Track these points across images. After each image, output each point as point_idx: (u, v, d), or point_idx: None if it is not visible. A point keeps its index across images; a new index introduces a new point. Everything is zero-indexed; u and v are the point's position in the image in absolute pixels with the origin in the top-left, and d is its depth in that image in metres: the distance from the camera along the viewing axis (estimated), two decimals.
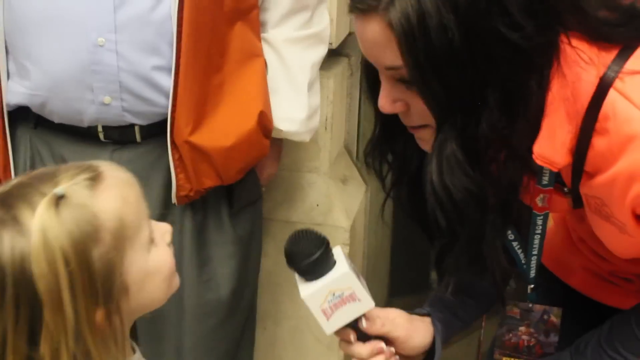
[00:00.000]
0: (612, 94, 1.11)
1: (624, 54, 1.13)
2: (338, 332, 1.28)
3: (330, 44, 2.03)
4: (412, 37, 1.06)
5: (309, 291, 1.22)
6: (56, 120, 1.76)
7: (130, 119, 1.73)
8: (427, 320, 1.38)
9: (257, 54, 1.84)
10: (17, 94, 1.74)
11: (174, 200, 1.80)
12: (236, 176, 1.84)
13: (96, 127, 1.75)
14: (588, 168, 1.16)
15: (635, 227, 1.17)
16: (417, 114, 1.16)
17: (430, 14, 1.04)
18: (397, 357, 1.32)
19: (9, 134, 1.78)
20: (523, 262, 1.37)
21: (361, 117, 2.55)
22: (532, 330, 1.44)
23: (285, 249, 1.23)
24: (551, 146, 1.14)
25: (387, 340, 1.31)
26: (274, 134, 1.89)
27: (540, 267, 1.60)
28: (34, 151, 1.83)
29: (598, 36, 1.14)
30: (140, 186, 1.11)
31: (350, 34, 2.38)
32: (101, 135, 1.77)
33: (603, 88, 1.11)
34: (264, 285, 2.24)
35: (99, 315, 1.00)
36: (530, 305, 1.43)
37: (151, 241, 1.09)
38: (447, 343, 1.43)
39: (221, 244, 1.92)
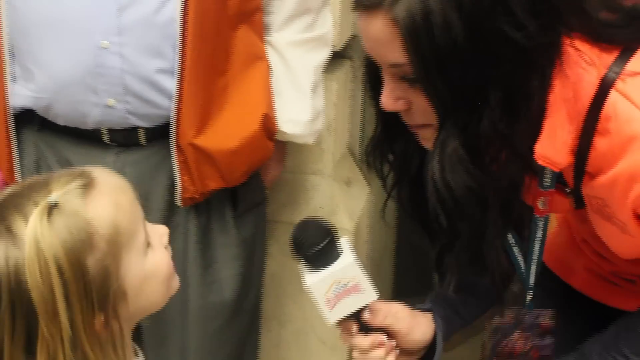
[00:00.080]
0: (613, 94, 1.11)
1: (625, 56, 1.14)
2: (340, 323, 1.29)
3: (334, 46, 2.03)
4: (416, 34, 1.07)
5: (314, 280, 1.23)
6: (61, 122, 1.77)
7: (134, 121, 1.74)
8: (428, 315, 1.38)
9: (261, 57, 1.84)
10: (22, 96, 1.75)
11: (178, 202, 1.80)
12: (240, 178, 1.85)
13: (100, 129, 1.76)
14: (590, 169, 1.17)
15: (637, 228, 1.17)
16: (419, 112, 1.17)
17: (435, 11, 1.05)
18: (398, 350, 1.33)
19: (15, 137, 1.78)
20: (522, 268, 1.37)
21: (364, 119, 2.55)
22: (526, 334, 1.44)
23: (292, 236, 1.23)
24: (552, 146, 1.15)
25: (389, 333, 1.31)
26: (278, 137, 1.89)
27: (542, 267, 1.60)
28: (40, 154, 1.83)
29: (599, 37, 1.15)
30: (137, 192, 1.11)
31: (353, 36, 2.38)
32: (105, 138, 1.77)
33: (604, 89, 1.12)
34: (268, 287, 2.24)
35: (98, 321, 1.01)
36: (524, 309, 1.43)
37: (147, 244, 1.09)
38: (451, 345, 1.44)
39: (225, 246, 1.92)
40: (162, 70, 1.69)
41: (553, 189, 1.26)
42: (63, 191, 1.02)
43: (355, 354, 1.31)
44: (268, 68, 1.86)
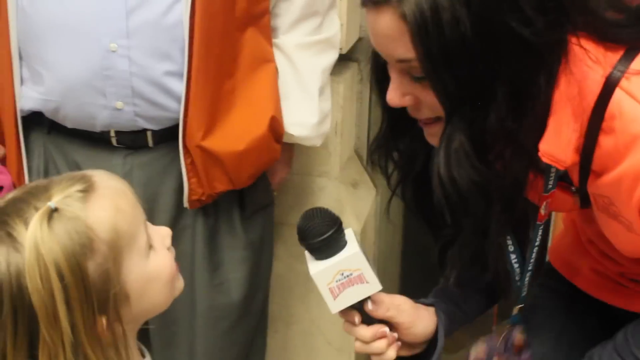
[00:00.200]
0: (618, 93, 1.12)
1: (630, 54, 1.14)
2: (343, 313, 1.29)
3: (340, 49, 2.04)
4: (425, 29, 1.07)
5: (318, 269, 1.23)
6: (69, 125, 1.77)
7: (142, 123, 1.74)
8: (431, 309, 1.38)
9: (269, 60, 1.85)
10: (31, 99, 1.75)
11: (186, 204, 1.81)
12: (248, 181, 1.85)
13: (109, 132, 1.76)
14: (595, 167, 1.17)
15: None
16: (427, 107, 1.17)
17: (444, 6, 1.06)
18: (400, 343, 1.33)
19: (23, 140, 1.79)
20: (517, 278, 1.37)
21: (371, 121, 2.56)
22: (505, 356, 1.44)
23: (298, 225, 1.24)
24: (557, 144, 1.15)
25: (391, 326, 1.32)
26: (285, 139, 1.90)
27: (548, 267, 1.61)
28: (48, 156, 1.84)
29: (605, 36, 1.15)
30: (135, 193, 1.11)
31: (360, 39, 2.39)
32: (114, 140, 1.77)
33: (609, 87, 1.12)
34: (275, 289, 2.25)
35: (99, 324, 1.01)
36: (493, 330, 1.42)
37: (149, 247, 1.10)
38: (458, 347, 1.44)
39: (233, 248, 1.93)
40: (170, 72, 1.69)
41: (554, 190, 1.27)
42: (63, 196, 1.02)
43: (357, 345, 1.32)
44: (275, 71, 1.86)
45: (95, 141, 1.78)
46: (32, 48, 1.71)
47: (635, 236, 1.20)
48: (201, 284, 1.90)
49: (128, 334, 1.07)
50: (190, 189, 1.78)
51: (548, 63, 1.12)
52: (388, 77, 1.19)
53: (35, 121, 1.81)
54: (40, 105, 1.75)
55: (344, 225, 1.26)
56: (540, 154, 1.15)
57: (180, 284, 1.16)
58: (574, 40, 1.13)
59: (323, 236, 1.22)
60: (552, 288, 1.61)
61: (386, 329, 1.31)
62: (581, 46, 1.13)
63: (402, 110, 1.21)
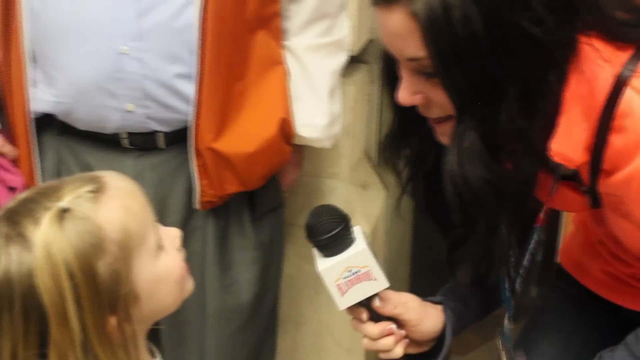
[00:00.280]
0: (628, 92, 1.12)
1: None
2: (351, 310, 1.29)
3: (351, 51, 2.04)
4: (436, 27, 1.07)
5: (326, 265, 1.24)
6: (81, 127, 1.78)
7: (153, 126, 1.75)
8: (439, 307, 1.39)
9: (279, 62, 1.85)
10: (43, 101, 1.76)
11: (196, 205, 1.82)
12: (258, 182, 1.86)
13: (120, 133, 1.77)
14: (606, 166, 1.17)
15: None
16: (437, 106, 1.17)
17: (455, 5, 1.06)
18: (407, 340, 1.33)
19: (35, 141, 1.80)
20: (508, 288, 1.36)
21: (381, 123, 2.56)
22: None
23: (306, 222, 1.24)
24: (568, 143, 1.15)
25: (398, 323, 1.32)
26: (296, 141, 1.90)
27: (559, 269, 1.60)
28: (60, 158, 1.85)
29: (615, 36, 1.16)
30: (145, 194, 1.12)
31: (370, 41, 2.39)
32: (125, 142, 1.78)
33: (619, 86, 1.13)
34: (285, 290, 2.25)
35: (109, 324, 1.02)
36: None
37: (159, 247, 1.10)
38: (467, 348, 1.44)
39: (243, 249, 1.93)
40: (181, 75, 1.70)
41: (555, 194, 1.27)
42: (74, 196, 1.03)
43: (364, 342, 1.32)
44: (286, 72, 1.87)
45: (106, 143, 1.79)
46: (45, 50, 1.72)
47: None
48: (211, 284, 1.91)
49: (138, 334, 1.07)
50: (201, 191, 1.79)
51: (558, 62, 1.12)
52: (399, 77, 1.20)
53: (47, 123, 1.81)
54: (53, 108, 1.76)
55: (356, 225, 1.26)
56: (551, 152, 1.15)
57: (190, 285, 1.16)
58: (584, 39, 1.14)
59: (331, 233, 1.23)
60: (563, 289, 1.61)
61: (393, 326, 1.31)
62: (591, 45, 1.14)
63: (412, 109, 1.22)
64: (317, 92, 1.89)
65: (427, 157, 1.33)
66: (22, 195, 1.08)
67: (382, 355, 1.33)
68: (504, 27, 1.07)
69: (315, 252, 1.26)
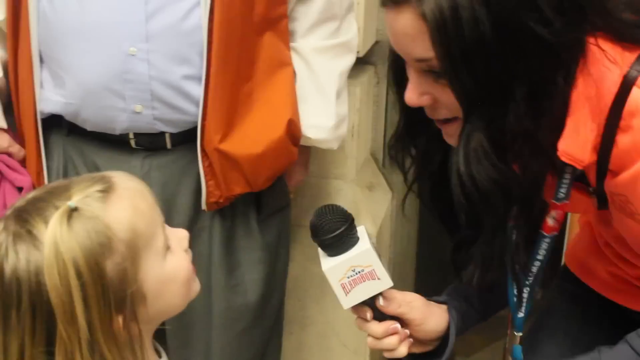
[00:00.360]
0: (635, 91, 1.12)
1: None
2: (355, 309, 1.30)
3: (357, 52, 2.04)
4: (444, 28, 1.08)
5: (330, 265, 1.24)
6: (89, 128, 1.79)
7: (161, 127, 1.76)
8: (443, 307, 1.38)
9: (286, 63, 1.86)
10: (52, 102, 1.77)
11: (203, 206, 1.82)
12: (265, 183, 1.86)
13: (128, 134, 1.77)
14: (612, 166, 1.17)
15: None
16: (445, 107, 1.18)
17: (463, 6, 1.06)
18: (411, 340, 1.34)
19: (43, 141, 1.81)
20: (515, 293, 1.35)
21: (387, 124, 2.56)
22: None
23: (311, 222, 1.25)
24: (575, 144, 1.15)
25: (403, 322, 1.32)
26: (303, 142, 1.91)
27: (564, 270, 1.60)
28: (67, 158, 1.85)
29: (622, 37, 1.16)
30: (153, 194, 1.12)
31: (376, 42, 2.40)
32: (132, 143, 1.79)
33: (626, 86, 1.13)
34: (290, 291, 2.25)
35: (116, 323, 1.02)
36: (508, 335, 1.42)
37: (167, 248, 1.10)
38: (472, 349, 1.44)
39: (250, 250, 1.94)
40: (189, 76, 1.70)
41: (567, 202, 1.27)
42: (83, 195, 1.04)
43: (369, 340, 1.32)
44: (293, 74, 1.87)
45: (114, 143, 1.80)
46: (53, 52, 1.73)
47: None
48: (218, 285, 1.91)
49: (144, 334, 1.08)
50: (208, 192, 1.79)
51: (566, 63, 1.12)
52: (406, 78, 1.20)
53: (54, 123, 1.82)
54: (61, 109, 1.77)
55: (360, 225, 1.27)
56: (559, 153, 1.15)
57: (196, 286, 1.16)
58: (591, 40, 1.14)
59: (335, 233, 1.23)
60: (569, 290, 1.61)
61: (397, 325, 1.31)
62: (599, 46, 1.14)
63: (419, 110, 1.22)
64: (324, 93, 1.89)
65: (434, 158, 1.34)
66: (31, 194, 1.08)
67: (386, 355, 1.33)
68: (512, 29, 1.08)
69: (320, 251, 1.27)
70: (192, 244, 1.18)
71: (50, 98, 1.77)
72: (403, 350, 1.32)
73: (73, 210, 1.01)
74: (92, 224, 1.02)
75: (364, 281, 1.25)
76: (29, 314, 1.00)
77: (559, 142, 1.15)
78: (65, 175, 1.84)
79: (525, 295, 1.35)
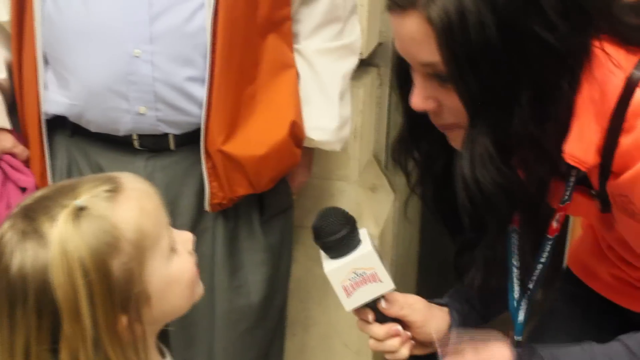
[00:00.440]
0: (638, 93, 1.13)
1: None
2: (357, 311, 1.30)
3: (360, 54, 2.05)
4: (451, 32, 1.08)
5: (332, 267, 1.24)
6: (93, 129, 1.79)
7: (164, 128, 1.76)
8: (444, 309, 1.38)
9: (289, 65, 1.86)
10: (56, 103, 1.78)
11: (206, 207, 1.82)
12: (268, 185, 1.87)
13: (131, 135, 1.78)
14: (615, 168, 1.17)
15: None
16: (449, 112, 1.18)
17: (470, 10, 1.06)
18: (413, 342, 1.34)
19: (47, 142, 1.81)
20: (516, 297, 1.35)
21: (390, 126, 2.56)
22: None
23: (313, 224, 1.25)
24: (580, 146, 1.15)
25: (404, 324, 1.33)
26: (306, 143, 1.91)
27: (567, 272, 1.60)
28: (71, 158, 1.86)
29: (626, 40, 1.16)
30: (164, 197, 1.13)
31: (379, 44, 2.40)
32: (136, 144, 1.79)
33: (630, 88, 1.13)
34: (293, 292, 2.26)
35: (120, 324, 1.02)
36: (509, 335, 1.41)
37: (172, 250, 1.11)
38: None
39: (252, 251, 1.94)
40: (192, 78, 1.71)
41: (569, 203, 1.27)
42: (90, 195, 1.04)
43: (370, 342, 1.33)
44: (296, 76, 1.88)
45: (117, 144, 1.80)
46: (57, 53, 1.74)
47: None
48: (221, 286, 1.92)
49: (148, 335, 1.08)
50: (211, 193, 1.80)
51: (571, 67, 1.13)
52: (410, 82, 1.20)
53: (58, 124, 1.83)
54: (65, 110, 1.78)
55: (361, 227, 1.27)
56: (564, 155, 1.15)
57: (200, 289, 1.16)
58: (596, 44, 1.14)
59: (337, 235, 1.23)
60: (571, 292, 1.61)
61: (399, 327, 1.31)
62: (603, 50, 1.14)
63: (422, 114, 1.22)
64: (327, 95, 1.90)
65: (437, 161, 1.34)
66: (38, 192, 1.09)
67: (388, 357, 1.33)
68: (518, 33, 1.08)
69: (322, 253, 1.27)
70: (195, 245, 1.18)
71: (54, 99, 1.77)
72: (405, 352, 1.32)
73: (81, 210, 1.02)
74: (99, 224, 1.02)
75: (366, 284, 1.25)
76: (34, 312, 1.00)
77: (565, 145, 1.15)
78: (69, 175, 1.85)
79: (525, 299, 1.35)
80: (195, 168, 1.80)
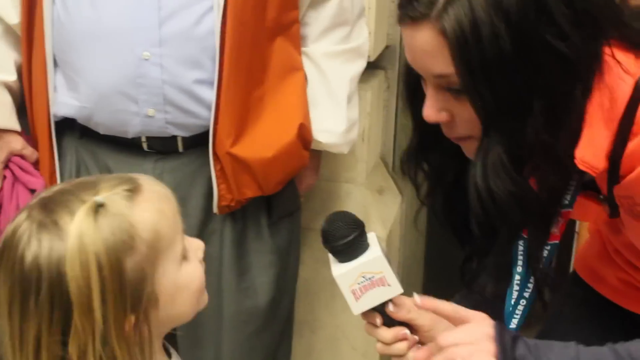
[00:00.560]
0: None
1: None
2: (365, 315, 1.30)
3: (368, 57, 2.05)
4: (465, 44, 1.08)
5: (341, 271, 1.24)
6: (102, 131, 1.80)
7: (173, 130, 1.77)
8: None
9: (297, 68, 1.87)
10: (66, 105, 1.78)
11: (215, 210, 1.83)
12: (276, 187, 1.87)
13: (140, 138, 1.79)
14: (623, 172, 1.18)
15: None
16: (462, 124, 1.18)
17: (483, 22, 1.07)
18: (420, 345, 1.34)
19: (56, 144, 1.82)
20: (512, 303, 1.35)
21: (397, 129, 2.56)
22: None
23: (322, 228, 1.25)
24: (591, 151, 1.16)
25: (412, 328, 1.33)
26: (314, 146, 1.91)
27: (574, 275, 1.60)
28: (80, 160, 1.87)
29: (635, 45, 1.17)
30: (177, 201, 1.13)
31: (387, 47, 2.40)
32: (145, 146, 1.80)
33: (638, 92, 1.13)
34: (300, 294, 2.26)
35: (128, 322, 1.03)
36: None
37: (184, 256, 1.11)
38: None
39: (260, 253, 1.94)
40: (201, 80, 1.72)
41: (570, 210, 1.27)
42: (110, 193, 1.05)
43: (378, 346, 1.33)
44: (304, 79, 1.88)
45: (126, 146, 1.81)
46: (67, 56, 1.75)
47: None
48: (228, 287, 1.92)
49: (154, 338, 1.08)
50: (219, 195, 1.80)
51: (584, 76, 1.13)
52: (420, 93, 1.20)
53: (67, 126, 1.84)
54: (75, 112, 1.79)
55: (369, 230, 1.27)
56: (576, 161, 1.15)
57: (205, 298, 1.17)
58: (607, 50, 1.14)
59: (346, 239, 1.23)
60: (578, 296, 1.61)
61: (407, 331, 1.32)
62: (614, 57, 1.14)
63: (432, 126, 1.22)
64: (335, 98, 1.90)
65: (447, 174, 1.34)
66: (57, 186, 1.10)
67: None
68: (531, 44, 1.08)
69: (330, 257, 1.28)
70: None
71: (63, 101, 1.78)
72: (412, 356, 1.32)
73: (100, 206, 1.03)
74: (117, 221, 1.03)
75: (374, 287, 1.25)
76: (47, 303, 1.01)
77: (576, 150, 1.15)
78: (78, 177, 1.85)
79: (520, 307, 1.35)
80: (204, 170, 1.81)
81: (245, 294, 1.94)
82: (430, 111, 1.19)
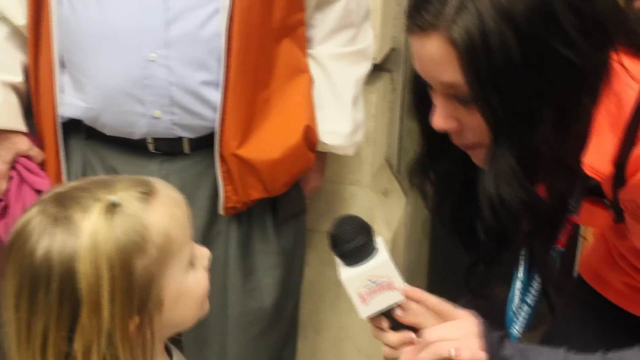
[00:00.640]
0: None
1: None
2: (372, 319, 1.30)
3: (373, 59, 2.05)
4: (474, 53, 1.08)
5: (348, 275, 1.25)
6: (108, 132, 1.80)
7: (179, 132, 1.77)
8: None
9: (303, 70, 1.87)
10: (72, 107, 1.79)
11: (220, 211, 1.83)
12: (282, 188, 1.87)
13: (146, 139, 1.79)
14: (628, 176, 1.18)
15: None
16: (471, 132, 1.18)
17: (492, 31, 1.07)
18: None
19: (62, 145, 1.82)
20: (514, 309, 1.35)
21: (402, 131, 2.57)
22: None
23: (330, 232, 1.26)
24: (597, 157, 1.16)
25: (419, 332, 1.33)
26: (319, 148, 1.92)
27: (579, 279, 1.60)
28: (86, 161, 1.87)
29: None
30: (188, 207, 1.14)
31: (392, 49, 2.40)
32: (151, 147, 1.81)
33: None
34: (305, 295, 2.26)
35: (133, 323, 1.04)
36: None
37: (191, 263, 1.12)
38: None
39: (266, 254, 1.95)
40: (207, 82, 1.72)
41: (575, 215, 1.27)
42: (125, 193, 1.06)
43: (384, 350, 1.33)
44: (310, 80, 1.89)
45: (132, 147, 1.81)
46: (73, 57, 1.75)
47: None
48: (234, 289, 1.93)
49: (156, 341, 1.08)
50: (225, 197, 1.81)
51: (592, 82, 1.13)
52: (428, 101, 1.20)
53: (73, 127, 1.84)
54: (81, 113, 1.79)
55: (378, 236, 1.28)
56: (583, 167, 1.16)
57: (206, 306, 1.17)
58: (614, 57, 1.14)
59: (353, 243, 1.24)
60: (583, 299, 1.61)
61: (414, 335, 1.32)
62: (621, 64, 1.14)
63: (440, 135, 1.22)
64: (340, 100, 1.90)
65: (455, 181, 1.34)
66: (72, 183, 1.11)
67: None
68: (540, 52, 1.08)
69: (337, 261, 1.28)
70: (209, 248, 1.19)
71: (70, 102, 1.79)
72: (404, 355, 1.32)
73: (114, 206, 1.03)
74: (130, 222, 1.03)
75: (381, 291, 1.26)
76: (57, 297, 1.02)
77: (584, 156, 1.16)
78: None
79: (523, 313, 1.35)
80: (209, 172, 1.81)
81: (251, 295, 1.95)
82: (439, 120, 1.19)
